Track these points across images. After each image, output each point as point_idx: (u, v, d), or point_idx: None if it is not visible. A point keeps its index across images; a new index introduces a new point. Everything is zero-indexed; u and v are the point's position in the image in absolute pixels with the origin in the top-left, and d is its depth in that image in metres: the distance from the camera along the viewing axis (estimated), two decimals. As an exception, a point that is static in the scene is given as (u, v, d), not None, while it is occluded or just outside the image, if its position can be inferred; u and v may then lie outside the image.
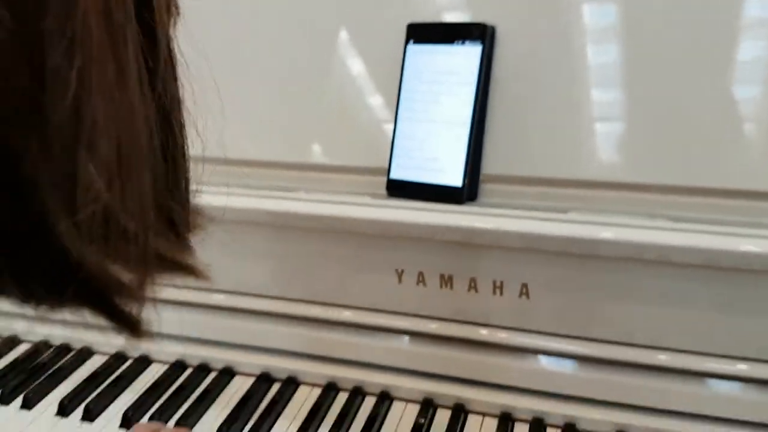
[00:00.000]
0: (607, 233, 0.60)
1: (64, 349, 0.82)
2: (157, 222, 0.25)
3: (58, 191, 0.18)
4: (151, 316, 0.25)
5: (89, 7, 0.18)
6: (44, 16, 0.18)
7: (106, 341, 0.80)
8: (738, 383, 0.61)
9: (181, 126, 0.28)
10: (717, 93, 0.63)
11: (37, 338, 0.84)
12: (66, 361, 0.80)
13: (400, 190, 0.69)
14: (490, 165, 0.68)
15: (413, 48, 0.69)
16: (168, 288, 0.70)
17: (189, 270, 0.27)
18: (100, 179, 0.19)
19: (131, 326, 0.24)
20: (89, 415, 0.71)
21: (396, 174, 0.69)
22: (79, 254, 0.19)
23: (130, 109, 0.21)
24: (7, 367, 0.80)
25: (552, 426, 0.66)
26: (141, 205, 0.22)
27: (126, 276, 0.22)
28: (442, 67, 0.69)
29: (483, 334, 0.68)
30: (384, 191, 0.70)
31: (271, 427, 0.68)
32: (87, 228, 0.19)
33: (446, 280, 0.67)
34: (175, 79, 0.26)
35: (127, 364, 0.79)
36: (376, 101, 0.73)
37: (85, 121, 0.19)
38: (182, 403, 0.72)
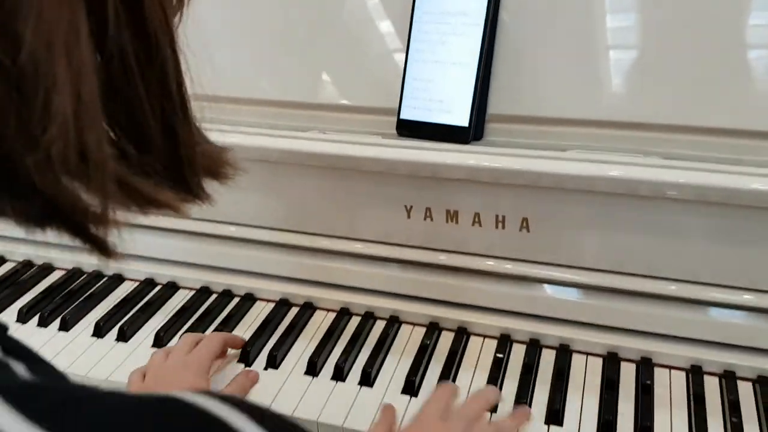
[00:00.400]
0: (603, 171, 0.64)
1: (97, 275, 0.88)
2: (138, 160, 0.27)
3: (22, 134, 0.21)
4: (121, 239, 0.27)
5: None
6: None
7: (137, 268, 0.86)
8: (711, 307, 0.67)
9: (172, 65, 0.29)
10: (710, 35, 0.66)
11: (70, 265, 0.90)
12: (99, 286, 0.86)
13: (410, 129, 0.73)
14: (495, 105, 0.72)
15: (423, -10, 0.72)
16: (197, 221, 0.76)
17: (163, 205, 0.29)
18: (58, 124, 0.21)
19: (101, 248, 0.26)
20: (123, 336, 0.77)
21: (406, 114, 0.73)
22: (41, 185, 0.22)
23: (82, 59, 0.23)
24: (43, 292, 0.86)
25: (547, 347, 0.72)
26: (98, 142, 0.24)
27: (93, 203, 0.25)
28: (451, 8, 0.71)
29: (486, 264, 0.73)
30: (394, 131, 0.74)
31: (291, 345, 0.75)
32: (47, 164, 0.22)
33: (452, 215, 0.72)
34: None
35: (156, 289, 0.85)
36: (387, 43, 0.76)
37: (43, 75, 0.21)
38: (209, 326, 0.79)
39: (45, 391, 0.21)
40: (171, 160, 0.28)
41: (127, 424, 0.21)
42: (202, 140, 0.31)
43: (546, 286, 0.72)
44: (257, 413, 0.24)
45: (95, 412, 0.21)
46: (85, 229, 0.24)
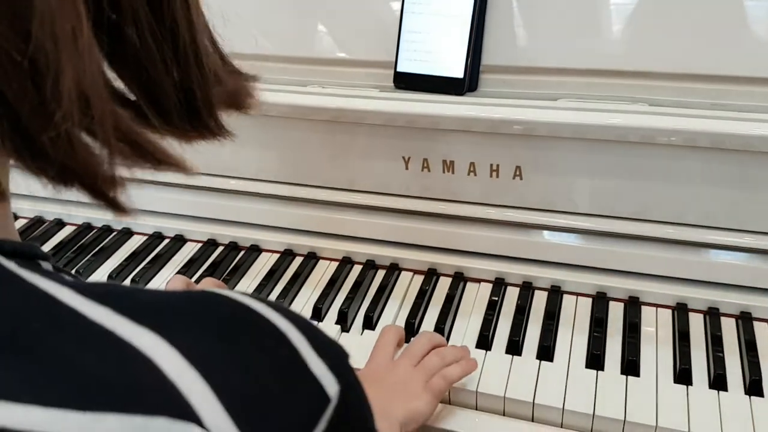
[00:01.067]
0: (593, 119, 0.66)
1: (106, 229, 0.92)
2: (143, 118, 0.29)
3: (36, 116, 0.23)
4: (131, 197, 0.29)
5: None
6: None
7: (145, 222, 0.89)
8: (697, 248, 0.70)
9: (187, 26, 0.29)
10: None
11: (80, 221, 0.93)
12: (109, 240, 0.90)
13: (407, 82, 0.75)
14: (489, 56, 0.74)
15: (417, -57, 0.73)
16: (203, 176, 0.78)
17: (174, 164, 0.30)
18: (65, 105, 0.23)
19: (114, 206, 0.28)
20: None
21: (402, 67, 0.75)
22: (54, 155, 0.24)
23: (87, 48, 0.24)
24: (55, 247, 0.90)
25: (540, 288, 0.76)
26: (105, 115, 0.25)
27: (106, 166, 0.27)
28: (444, -39, 0.72)
29: (482, 211, 0.76)
30: (392, 83, 0.76)
31: (296, 293, 0.79)
32: (59, 140, 0.24)
33: (448, 166, 0.74)
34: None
35: (165, 242, 0.89)
36: (383, -3, 0.77)
37: (51, 64, 0.23)
38: (218, 277, 0.82)
39: (104, 284, 0.25)
40: (188, 110, 0.31)
41: (179, 307, 0.24)
42: (223, 76, 0.33)
43: (539, 231, 0.75)
44: (291, 315, 0.27)
45: (150, 297, 0.24)
46: (100, 190, 0.27)
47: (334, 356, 0.27)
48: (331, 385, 0.26)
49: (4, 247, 0.25)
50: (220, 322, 0.25)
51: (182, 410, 0.21)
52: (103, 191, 0.27)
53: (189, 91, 0.30)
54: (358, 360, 0.68)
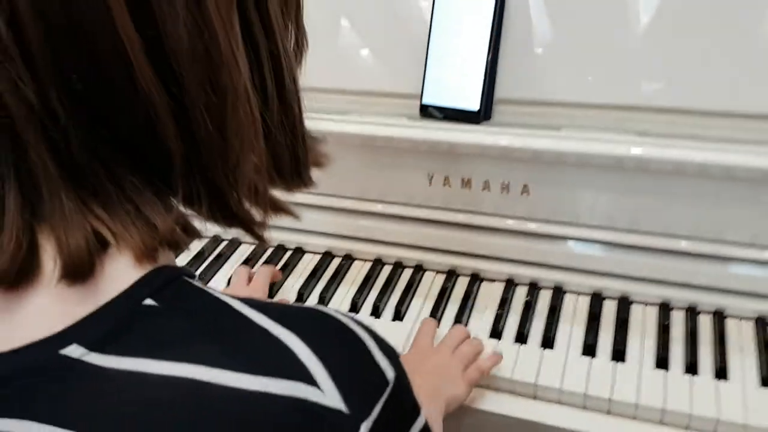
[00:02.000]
0: (588, 147, 0.79)
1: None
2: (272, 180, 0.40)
3: (226, 181, 0.36)
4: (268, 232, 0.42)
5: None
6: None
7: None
8: (680, 256, 0.82)
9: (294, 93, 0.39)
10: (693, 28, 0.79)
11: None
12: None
13: (430, 112, 0.88)
14: (502, 91, 0.86)
15: (441, -7, 0.86)
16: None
17: (289, 212, 0.42)
18: (246, 180, 0.36)
19: (260, 239, 0.42)
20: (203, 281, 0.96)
21: (427, 99, 0.88)
22: (235, 209, 0.38)
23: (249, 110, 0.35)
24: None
25: (545, 288, 0.89)
26: (265, 185, 0.38)
27: (255, 213, 0.40)
28: (464, 9, 0.85)
29: (494, 221, 0.89)
30: (417, 113, 0.89)
31: (336, 289, 0.92)
32: (239, 201, 0.37)
33: (466, 182, 0.87)
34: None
35: (223, 244, 1.03)
36: (412, 40, 0.90)
37: (239, 150, 0.36)
38: (268, 274, 0.96)
39: (254, 299, 0.37)
40: (296, 170, 0.42)
41: (304, 317, 0.36)
42: (310, 142, 0.42)
43: (543, 239, 0.88)
44: (363, 325, 0.37)
45: (286, 308, 0.36)
46: (254, 232, 0.40)
47: (392, 354, 0.37)
48: (389, 372, 0.36)
49: (186, 272, 0.36)
50: (327, 327, 0.36)
51: (310, 379, 0.32)
52: (256, 232, 0.40)
53: (297, 157, 0.41)
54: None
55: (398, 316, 0.87)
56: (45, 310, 0.33)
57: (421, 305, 0.89)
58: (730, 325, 0.81)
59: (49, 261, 0.33)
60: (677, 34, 0.80)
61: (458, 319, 0.85)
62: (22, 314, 0.33)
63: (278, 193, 0.42)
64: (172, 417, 0.30)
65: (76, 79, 0.31)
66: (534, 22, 0.84)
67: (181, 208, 0.37)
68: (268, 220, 0.40)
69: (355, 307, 0.89)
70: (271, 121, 0.38)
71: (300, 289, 0.92)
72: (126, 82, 0.31)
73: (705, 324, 0.82)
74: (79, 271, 0.32)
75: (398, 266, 0.95)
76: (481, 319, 0.85)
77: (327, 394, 0.32)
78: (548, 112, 0.85)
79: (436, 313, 0.86)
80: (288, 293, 0.93)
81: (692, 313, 0.83)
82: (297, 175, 0.42)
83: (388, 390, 0.35)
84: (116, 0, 0.29)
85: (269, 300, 0.37)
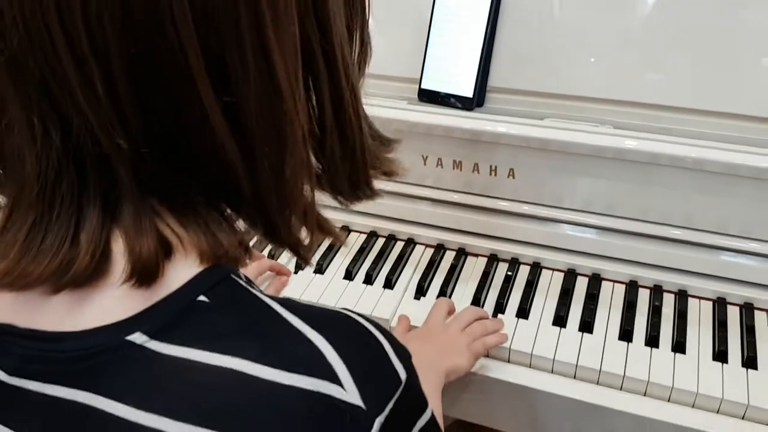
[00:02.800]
0: (568, 136, 0.86)
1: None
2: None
3: (280, 214, 0.41)
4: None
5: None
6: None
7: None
8: (646, 238, 0.90)
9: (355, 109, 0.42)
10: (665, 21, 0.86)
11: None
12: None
13: (428, 97, 0.95)
14: (495, 79, 0.93)
15: (442, -13, 0.92)
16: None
17: (335, 235, 0.46)
18: (300, 209, 0.40)
19: (305, 261, 0.46)
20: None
21: (425, 85, 0.95)
22: (285, 234, 0.42)
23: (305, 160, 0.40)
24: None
25: (523, 264, 0.97)
26: (313, 209, 0.41)
27: (303, 237, 0.43)
28: (462, 2, 0.92)
29: (482, 201, 0.96)
30: (416, 96, 0.96)
31: (332, 260, 1.00)
32: (290, 227, 0.42)
33: (457, 164, 0.94)
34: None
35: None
36: (416, 25, 0.96)
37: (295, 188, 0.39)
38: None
39: (289, 299, 0.40)
40: (355, 189, 0.46)
41: (330, 319, 0.39)
42: (378, 154, 0.47)
43: (524, 219, 0.95)
44: (380, 327, 0.40)
45: (315, 310, 0.40)
46: (299, 253, 0.44)
47: (404, 355, 0.40)
48: (402, 372, 0.39)
49: (234, 271, 0.40)
50: (351, 331, 0.40)
51: (335, 378, 0.36)
52: (303, 255, 0.45)
53: (354, 171, 0.45)
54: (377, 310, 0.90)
55: (389, 284, 0.95)
56: (113, 303, 0.37)
57: (410, 275, 0.96)
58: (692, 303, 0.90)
59: (119, 265, 0.37)
60: (662, 34, 0.87)
61: (443, 289, 0.93)
62: (91, 306, 0.38)
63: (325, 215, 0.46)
64: (215, 401, 0.35)
65: (162, 134, 0.36)
66: (529, 15, 0.91)
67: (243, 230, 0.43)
68: (315, 245, 0.45)
69: (349, 275, 0.96)
70: (331, 154, 0.42)
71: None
72: (204, 136, 0.36)
73: (668, 301, 0.90)
74: (145, 275, 0.37)
75: (391, 239, 1.03)
76: (465, 290, 0.93)
77: (348, 391, 0.36)
78: (536, 102, 0.92)
79: (424, 282, 0.94)
80: (283, 259, 1.00)
81: (657, 291, 0.91)
82: (355, 191, 0.47)
83: (401, 389, 0.39)
84: (200, 73, 0.34)
85: (300, 302, 0.44)
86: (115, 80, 0.33)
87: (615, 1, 0.88)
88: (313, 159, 0.42)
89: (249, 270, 0.95)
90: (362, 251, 1.01)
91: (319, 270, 0.98)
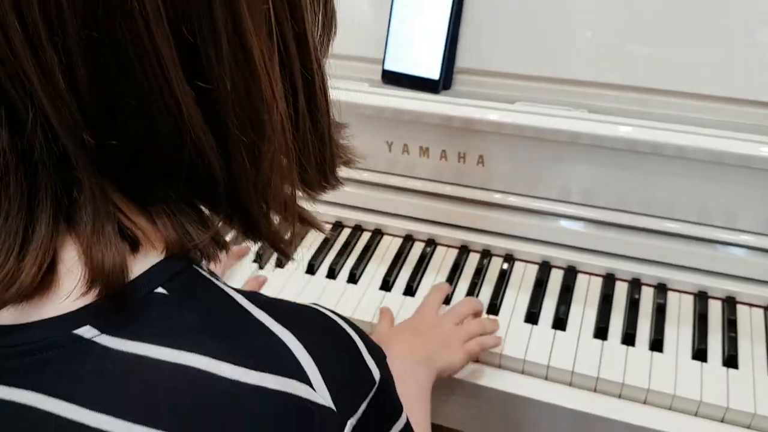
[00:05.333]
0: (540, 122, 0.80)
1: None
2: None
3: (258, 208, 0.38)
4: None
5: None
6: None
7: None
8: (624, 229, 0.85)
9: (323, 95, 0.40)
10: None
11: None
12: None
13: (392, 79, 0.88)
14: (462, 60, 0.87)
15: (405, -42, 0.85)
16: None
17: (316, 226, 0.44)
18: (279, 205, 0.38)
19: (286, 256, 0.43)
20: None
21: (388, 66, 0.88)
22: (266, 231, 0.39)
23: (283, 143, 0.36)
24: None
25: (495, 255, 0.91)
26: (294, 205, 0.39)
27: (285, 234, 0.41)
28: (428, -24, 0.85)
29: (450, 189, 0.91)
30: (379, 78, 0.89)
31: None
32: (270, 222, 0.39)
33: (424, 151, 0.89)
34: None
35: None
36: (378, 4, 0.89)
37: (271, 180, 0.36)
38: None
39: (255, 293, 0.38)
40: (322, 176, 0.43)
41: (299, 315, 0.38)
42: (340, 143, 0.44)
43: (495, 208, 0.90)
44: (354, 326, 0.39)
45: (283, 306, 0.38)
46: (280, 248, 0.42)
47: (379, 354, 0.39)
48: (376, 372, 0.38)
49: (196, 261, 0.38)
50: (320, 328, 0.38)
51: (303, 377, 0.34)
52: (284, 250, 0.42)
53: (324, 165, 0.42)
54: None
55: (353, 279, 0.89)
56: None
57: (375, 269, 0.91)
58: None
59: (71, 275, 0.34)
60: (635, 10, 0.80)
61: (410, 283, 0.87)
62: (40, 307, 0.34)
63: (307, 207, 0.44)
64: (173, 400, 0.32)
65: (130, 127, 0.33)
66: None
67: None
68: (296, 238, 0.42)
69: (311, 269, 0.91)
70: (303, 141, 0.39)
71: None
72: (175, 126, 0.33)
73: (647, 295, 0.85)
74: (109, 284, 0.33)
75: (357, 229, 0.97)
76: (434, 282, 0.88)
77: (318, 391, 0.34)
78: (505, 84, 0.86)
79: (390, 276, 0.89)
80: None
81: (635, 284, 0.86)
82: (323, 181, 0.44)
83: (374, 390, 0.37)
84: (170, 57, 0.31)
85: (270, 297, 0.39)
86: (76, 69, 0.30)
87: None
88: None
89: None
90: (325, 244, 0.95)
91: (279, 264, 0.92)
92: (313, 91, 0.39)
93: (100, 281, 0.33)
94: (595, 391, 0.76)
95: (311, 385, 0.34)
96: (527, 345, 0.79)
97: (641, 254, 0.86)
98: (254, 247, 0.94)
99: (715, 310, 0.82)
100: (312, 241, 0.96)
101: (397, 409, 0.40)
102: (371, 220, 0.97)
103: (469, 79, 0.87)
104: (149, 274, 0.35)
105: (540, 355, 0.77)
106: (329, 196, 0.94)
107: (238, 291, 0.37)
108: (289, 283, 0.89)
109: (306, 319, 0.37)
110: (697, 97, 0.80)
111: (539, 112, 0.80)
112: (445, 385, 0.76)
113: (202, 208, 0.38)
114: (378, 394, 0.37)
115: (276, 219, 0.40)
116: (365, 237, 0.96)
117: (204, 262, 0.39)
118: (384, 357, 0.39)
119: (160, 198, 0.36)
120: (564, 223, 0.88)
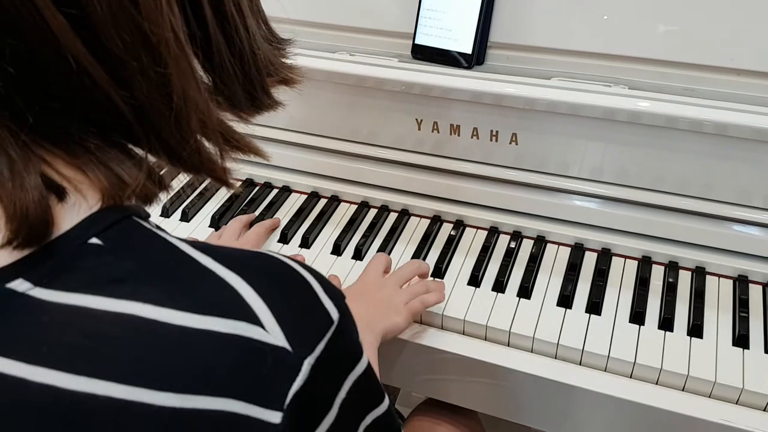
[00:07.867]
0: (579, 98, 0.77)
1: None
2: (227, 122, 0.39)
3: (175, 140, 0.36)
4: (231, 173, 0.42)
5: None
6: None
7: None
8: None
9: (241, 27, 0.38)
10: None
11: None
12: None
13: (422, 53, 0.86)
14: (496, 34, 0.84)
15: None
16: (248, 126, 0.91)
17: (253, 150, 0.42)
18: (194, 137, 0.36)
19: (227, 185, 0.41)
20: (186, 217, 0.96)
21: (419, 40, 0.86)
22: (190, 162, 0.37)
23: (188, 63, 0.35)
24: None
25: (527, 237, 0.89)
26: (215, 132, 0.37)
27: (218, 160, 0.39)
28: (461, -54, 0.82)
29: (481, 169, 0.88)
30: (408, 53, 0.87)
31: (321, 230, 0.93)
32: (192, 153, 0.37)
33: (455, 129, 0.86)
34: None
35: (208, 180, 1.02)
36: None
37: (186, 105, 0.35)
38: (254, 211, 0.96)
39: (200, 242, 0.37)
40: (249, 94, 0.41)
41: (249, 260, 0.37)
42: (275, 60, 0.42)
43: (527, 188, 0.87)
44: (310, 269, 0.39)
45: (231, 251, 0.37)
46: (218, 177, 0.40)
47: (337, 296, 0.38)
48: (333, 312, 0.37)
49: (136, 212, 0.37)
50: (272, 270, 0.37)
51: (254, 318, 0.34)
52: (221, 177, 0.40)
53: (248, 80, 0.40)
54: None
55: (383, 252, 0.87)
56: None
57: (403, 249, 0.89)
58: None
59: None
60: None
61: (439, 264, 0.85)
62: None
63: (244, 132, 0.41)
64: (116, 350, 0.31)
65: (10, 61, 0.31)
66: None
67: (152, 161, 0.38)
68: (229, 166, 0.40)
69: (338, 249, 0.89)
70: (219, 59, 0.38)
71: (284, 229, 0.92)
72: (60, 59, 0.31)
73: (684, 279, 0.82)
74: (32, 234, 0.33)
75: (384, 209, 0.95)
76: (461, 266, 0.86)
77: (271, 332, 0.34)
78: (540, 59, 0.83)
79: (419, 255, 0.86)
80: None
81: (672, 268, 0.84)
82: (254, 102, 0.42)
83: (332, 329, 0.36)
84: None
85: (216, 244, 0.37)
86: None
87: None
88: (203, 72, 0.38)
89: (229, 228, 0.89)
90: (352, 223, 0.93)
91: (306, 244, 0.90)
92: (222, 3, 0.37)
93: (24, 230, 0.32)
94: (630, 376, 0.74)
95: (263, 327, 0.33)
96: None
97: (678, 236, 0.83)
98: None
99: (755, 294, 0.80)
100: (339, 220, 0.94)
101: (358, 352, 0.39)
102: (399, 200, 0.94)
103: (503, 54, 0.84)
104: (82, 225, 0.34)
105: (574, 340, 0.75)
106: (355, 174, 0.94)
107: (182, 240, 0.36)
108: (316, 262, 0.87)
109: (254, 263, 0.36)
110: (740, 73, 0.77)
111: (577, 88, 0.77)
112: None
113: (131, 147, 0.37)
114: (336, 334, 0.36)
115: (211, 147, 0.39)
116: (392, 217, 0.94)
117: (147, 209, 0.38)
118: (343, 298, 0.38)
119: (83, 144, 0.35)
120: (566, 199, 0.85)
